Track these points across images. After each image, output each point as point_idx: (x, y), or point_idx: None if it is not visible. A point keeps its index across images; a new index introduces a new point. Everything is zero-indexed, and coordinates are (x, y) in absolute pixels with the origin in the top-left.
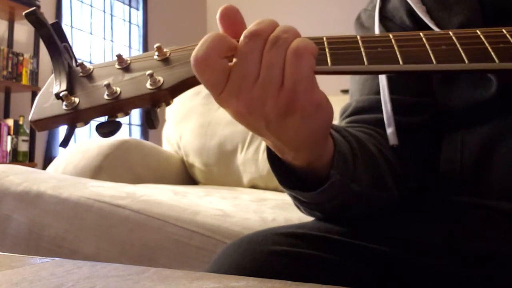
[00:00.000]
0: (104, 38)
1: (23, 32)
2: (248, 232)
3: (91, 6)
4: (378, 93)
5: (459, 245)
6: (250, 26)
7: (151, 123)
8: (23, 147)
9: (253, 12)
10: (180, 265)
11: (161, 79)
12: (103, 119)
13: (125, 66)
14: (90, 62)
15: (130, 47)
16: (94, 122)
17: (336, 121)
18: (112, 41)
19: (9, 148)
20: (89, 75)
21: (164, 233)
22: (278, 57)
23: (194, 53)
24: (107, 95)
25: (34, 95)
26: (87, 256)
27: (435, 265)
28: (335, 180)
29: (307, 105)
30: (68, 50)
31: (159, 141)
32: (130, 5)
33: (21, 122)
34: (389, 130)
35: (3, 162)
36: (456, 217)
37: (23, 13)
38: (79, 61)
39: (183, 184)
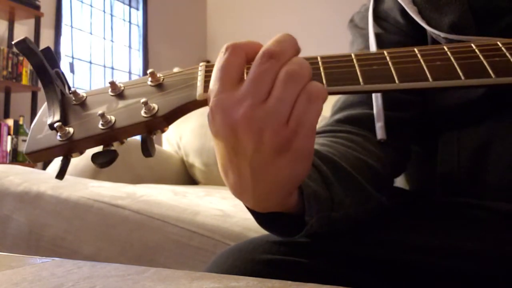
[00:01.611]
0: (104, 38)
1: (23, 32)
2: (248, 232)
3: (91, 6)
4: None
5: (457, 245)
6: (270, 44)
7: (147, 151)
8: (23, 147)
9: (251, 11)
10: (180, 265)
11: (155, 106)
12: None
13: (118, 92)
14: (90, 63)
15: (130, 47)
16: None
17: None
18: (112, 41)
19: (9, 148)
20: (82, 103)
21: (164, 233)
22: (291, 93)
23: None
24: (101, 124)
25: (34, 95)
26: (87, 256)
27: (432, 265)
28: (312, 224)
29: (301, 150)
30: (60, 76)
31: (159, 141)
32: (130, 5)
33: (21, 122)
34: (378, 125)
35: (3, 162)
36: (453, 217)
37: (13, 43)
38: (73, 79)
39: (183, 184)
